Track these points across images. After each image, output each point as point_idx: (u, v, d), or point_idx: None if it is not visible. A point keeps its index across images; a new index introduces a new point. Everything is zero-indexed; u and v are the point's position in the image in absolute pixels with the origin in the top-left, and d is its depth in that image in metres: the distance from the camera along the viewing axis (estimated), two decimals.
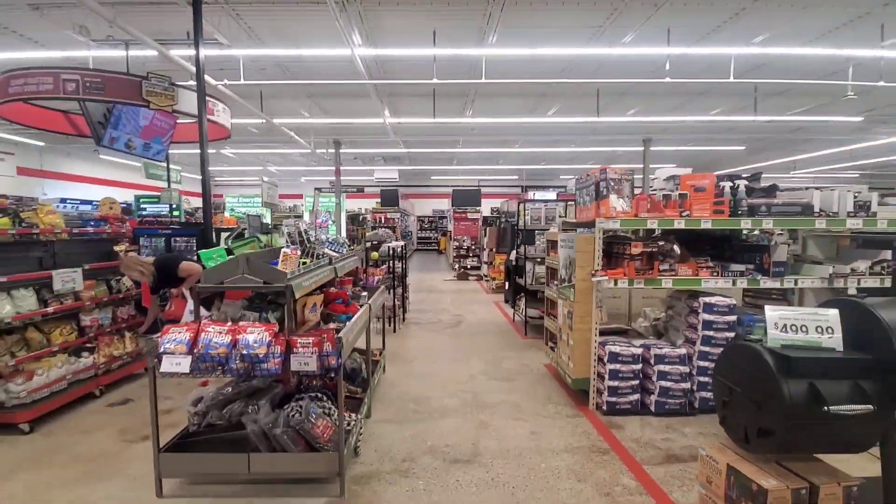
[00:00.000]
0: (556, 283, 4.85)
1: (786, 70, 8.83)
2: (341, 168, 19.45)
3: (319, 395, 3.23)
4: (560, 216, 7.07)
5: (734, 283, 4.03)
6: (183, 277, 3.58)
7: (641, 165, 15.46)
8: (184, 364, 2.51)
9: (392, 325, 7.06)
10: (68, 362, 4.10)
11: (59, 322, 4.17)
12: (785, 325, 2.25)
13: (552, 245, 5.18)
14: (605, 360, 3.96)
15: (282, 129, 12.25)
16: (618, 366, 3.93)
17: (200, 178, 5.80)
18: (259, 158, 20.10)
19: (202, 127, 6.64)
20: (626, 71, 8.87)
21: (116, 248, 4.98)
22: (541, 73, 8.86)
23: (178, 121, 8.60)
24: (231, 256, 2.70)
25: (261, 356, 2.54)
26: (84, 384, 4.22)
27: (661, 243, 4.10)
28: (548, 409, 4.11)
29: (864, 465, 2.64)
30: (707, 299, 3.98)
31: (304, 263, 3.16)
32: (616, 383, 3.93)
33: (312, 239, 3.61)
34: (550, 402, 4.29)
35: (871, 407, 2.04)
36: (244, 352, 2.54)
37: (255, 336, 2.60)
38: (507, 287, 9.58)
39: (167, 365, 2.51)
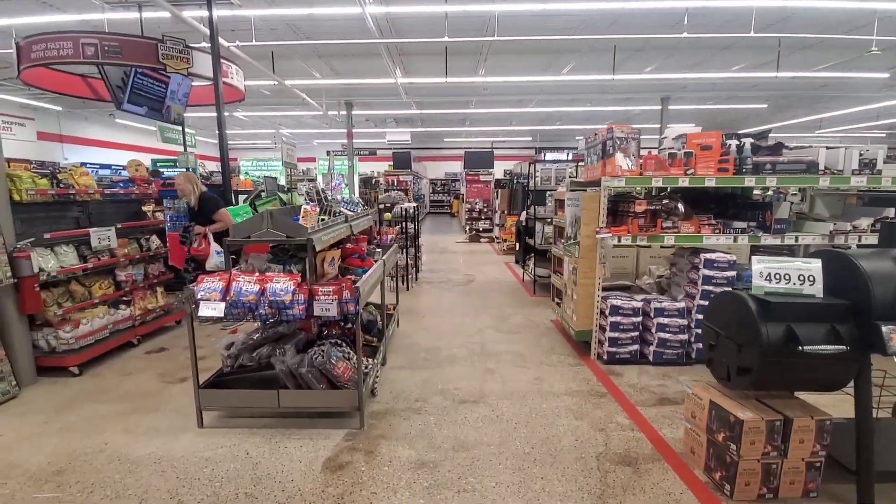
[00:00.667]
0: (562, 241, 5.02)
1: (809, 24, 8.51)
2: (353, 130, 19.44)
3: (339, 341, 3.52)
4: (570, 176, 7.14)
5: (735, 239, 4.15)
6: (214, 221, 3.88)
7: (659, 125, 15.16)
8: (219, 309, 2.79)
9: (405, 283, 7.34)
10: (108, 313, 4.46)
11: (97, 277, 4.50)
12: (770, 275, 2.41)
13: (560, 204, 5.31)
14: (607, 312, 4.17)
15: (293, 91, 12.26)
16: (618, 318, 4.14)
17: (218, 141, 5.99)
18: (271, 121, 20.13)
19: (218, 89, 6.78)
20: (643, 25, 8.64)
21: (145, 209, 5.25)
22: (555, 29, 8.68)
23: (193, 83, 8.73)
24: (256, 213, 2.91)
25: (287, 303, 2.80)
26: (123, 334, 4.60)
27: (665, 201, 4.21)
28: (551, 359, 4.37)
29: (848, 410, 2.84)
30: (708, 255, 4.12)
31: (323, 220, 3.37)
32: (616, 334, 4.16)
33: (329, 198, 3.80)
34: (554, 352, 4.55)
35: (844, 348, 2.22)
36: (272, 298, 2.80)
37: (281, 285, 2.85)
38: (517, 248, 9.76)
39: (204, 310, 2.79)
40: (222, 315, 2.78)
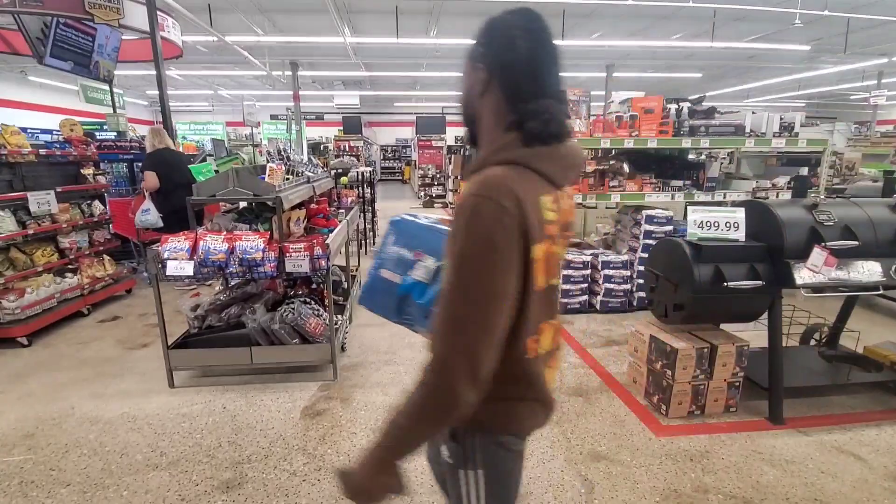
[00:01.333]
0: None
1: None
2: (300, 93, 18.63)
3: (307, 300, 3.60)
4: None
5: (673, 196, 4.55)
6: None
7: (604, 92, 15.65)
8: (188, 268, 2.79)
9: (363, 247, 7.39)
10: (55, 282, 4.26)
11: (39, 244, 4.26)
12: (702, 223, 2.74)
13: None
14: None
15: (234, 49, 11.55)
16: (570, 272, 4.47)
17: (159, 103, 5.68)
18: (209, 82, 18.85)
19: (156, 43, 6.35)
20: None
21: (84, 172, 4.95)
22: None
23: (123, 37, 8.07)
24: (221, 171, 2.88)
25: (257, 260, 2.85)
26: (72, 302, 4.42)
27: (612, 162, 4.52)
28: None
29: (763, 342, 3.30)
30: (648, 212, 4.51)
31: (287, 180, 3.38)
32: (568, 286, 4.50)
33: (292, 158, 3.79)
34: None
35: (761, 282, 2.60)
36: (242, 256, 2.84)
37: (251, 243, 2.89)
38: None
39: (172, 268, 2.79)
40: (191, 273, 2.79)
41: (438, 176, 16.51)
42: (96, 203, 5.00)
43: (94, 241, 4.87)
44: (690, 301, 2.64)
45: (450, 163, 13.84)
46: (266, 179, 3.04)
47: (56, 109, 18.06)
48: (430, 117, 17.51)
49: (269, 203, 3.01)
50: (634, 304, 4.67)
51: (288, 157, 3.64)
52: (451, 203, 12.87)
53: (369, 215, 8.08)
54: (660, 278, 2.92)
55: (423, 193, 15.97)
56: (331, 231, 3.65)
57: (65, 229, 4.47)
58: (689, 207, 2.80)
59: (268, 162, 3.46)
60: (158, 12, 6.30)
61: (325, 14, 9.59)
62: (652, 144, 4.40)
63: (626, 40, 12.17)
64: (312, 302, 3.59)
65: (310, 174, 4.17)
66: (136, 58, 8.98)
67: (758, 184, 4.59)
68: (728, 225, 2.74)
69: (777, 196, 4.67)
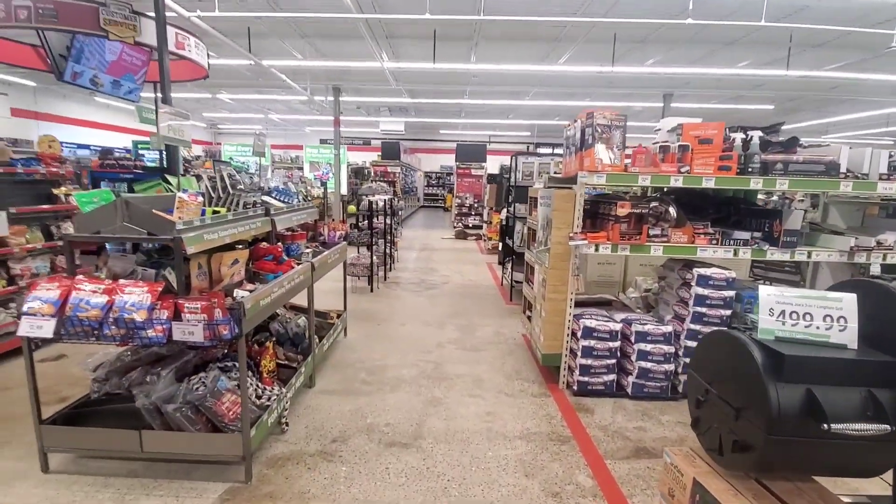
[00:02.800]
0: (534, 245, 4.33)
1: (824, 17, 7.79)
2: (344, 118, 18.68)
3: (236, 364, 2.84)
4: (556, 172, 6.44)
5: (736, 252, 3.46)
6: None
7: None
8: (46, 328, 2.10)
9: (370, 284, 6.66)
10: None
11: None
12: (784, 312, 1.72)
13: (535, 203, 4.62)
14: (579, 335, 3.49)
15: (275, 73, 11.51)
16: (592, 342, 3.46)
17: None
18: (259, 105, 19.36)
19: (163, 60, 6.04)
20: (645, 12, 7.92)
21: (58, 191, 4.55)
22: (549, 13, 7.95)
23: (152, 57, 7.95)
24: (111, 201, 2.23)
25: (138, 322, 2.11)
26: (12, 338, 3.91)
27: (654, 204, 3.52)
28: (512, 386, 3.69)
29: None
30: (702, 271, 3.44)
31: (217, 212, 2.68)
32: (589, 361, 3.48)
33: (243, 185, 3.11)
34: (518, 377, 3.88)
35: (888, 428, 1.54)
36: (119, 315, 2.11)
37: (136, 297, 2.16)
38: (500, 248, 9.08)
39: (26, 327, 2.10)
40: (50, 335, 2.10)
41: (476, 206, 15.75)
42: (68, 224, 4.57)
43: (55, 267, 4.41)
44: (763, 443, 1.61)
45: (486, 192, 13.04)
46: (174, 213, 2.34)
47: (117, 128, 19.06)
48: (471, 145, 16.93)
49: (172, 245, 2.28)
50: (679, 389, 3.56)
51: (228, 185, 2.96)
52: (484, 235, 11.99)
53: (382, 247, 7.36)
54: (710, 392, 1.90)
55: (456, 223, 15.22)
56: (276, 277, 2.89)
57: (17, 254, 4.02)
58: (762, 287, 1.79)
59: (202, 190, 2.78)
60: (179, 31, 6.04)
61: (363, 40, 9.27)
62: (708, 184, 3.37)
63: (685, 67, 11.04)
64: (248, 369, 2.81)
65: (277, 203, 3.49)
66: (173, 77, 8.95)
67: (857, 240, 3.42)
68: (828, 319, 1.71)
69: (884, 259, 3.47)
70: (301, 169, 19.25)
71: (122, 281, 2.25)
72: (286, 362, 3.35)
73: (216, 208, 2.76)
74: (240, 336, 2.24)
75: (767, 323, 1.73)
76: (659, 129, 4.11)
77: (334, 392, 3.49)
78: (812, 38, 8.69)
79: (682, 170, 3.37)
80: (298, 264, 3.25)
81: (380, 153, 18.78)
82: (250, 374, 2.80)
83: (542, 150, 9.92)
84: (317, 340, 3.73)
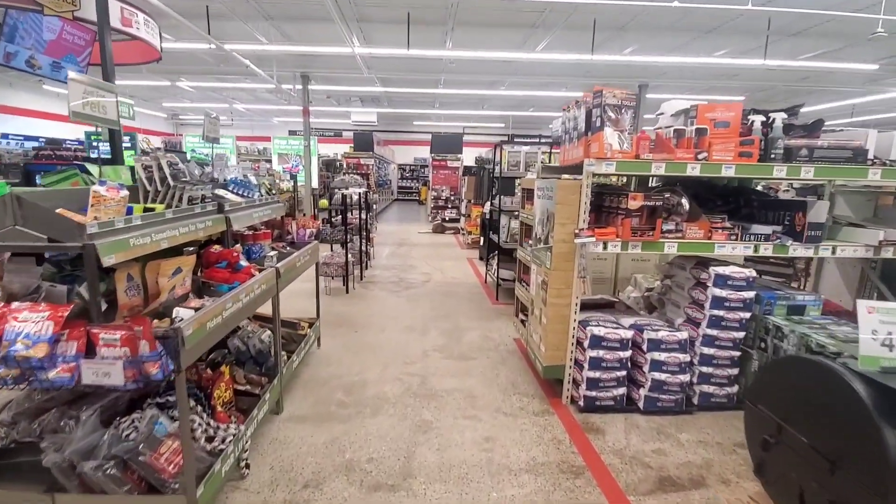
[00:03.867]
0: (530, 242, 3.90)
1: (808, 2, 7.64)
2: (315, 109, 17.85)
3: (168, 403, 2.31)
4: (543, 162, 6.04)
5: (756, 249, 3.12)
6: None
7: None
8: None
9: (346, 284, 6.12)
10: None
11: None
12: (892, 337, 1.33)
13: (528, 195, 4.20)
14: (586, 344, 3.09)
15: (238, 58, 10.69)
16: (601, 352, 3.07)
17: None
18: (223, 94, 18.28)
19: (103, 38, 5.32)
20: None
21: None
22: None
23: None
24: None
25: (35, 361, 1.57)
26: None
27: (666, 195, 3.14)
28: (510, 403, 3.27)
29: None
30: (720, 270, 3.09)
31: (150, 210, 2.13)
32: (597, 374, 3.09)
33: (188, 175, 2.55)
34: (515, 391, 3.46)
35: None
36: (8, 353, 1.56)
37: (32, 326, 1.62)
38: (482, 243, 8.67)
39: None
40: None
41: (453, 198, 15.30)
42: None
43: None
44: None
45: (464, 185, 12.59)
46: (88, 212, 1.79)
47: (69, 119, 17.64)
48: (447, 136, 16.42)
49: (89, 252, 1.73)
50: (695, 401, 3.22)
51: (167, 176, 2.40)
52: (463, 229, 11.55)
53: (358, 244, 6.83)
54: (784, 432, 1.51)
55: (434, 216, 14.74)
56: (231, 288, 2.36)
57: None
58: (861, 303, 1.41)
59: (140, 182, 2.22)
60: (125, 6, 5.31)
61: (332, 23, 8.61)
62: (727, 172, 3.01)
63: (663, 56, 10.82)
64: (193, 401, 2.29)
65: (233, 197, 2.94)
66: (124, 60, 8.10)
67: (886, 234, 3.13)
68: None
69: None
70: (269, 161, 18.35)
71: (15, 304, 1.69)
72: (247, 388, 2.82)
73: (151, 205, 2.21)
74: (177, 372, 1.72)
75: (870, 349, 1.35)
76: (661, 114, 3.73)
77: (306, 419, 2.99)
78: (791, 26, 8.58)
79: (700, 156, 3.00)
80: (260, 270, 2.73)
81: (352, 145, 18.05)
82: (200, 408, 2.27)
83: (517, 142, 9.53)
84: (284, 357, 3.21)
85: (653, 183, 4.41)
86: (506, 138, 20.85)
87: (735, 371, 3.21)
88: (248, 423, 2.47)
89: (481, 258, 8.79)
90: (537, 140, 6.22)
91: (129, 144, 9.47)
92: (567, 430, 2.93)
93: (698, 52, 10.64)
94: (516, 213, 6.07)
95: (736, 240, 3.10)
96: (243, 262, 2.60)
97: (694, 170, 2.98)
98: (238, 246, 2.97)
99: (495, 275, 6.12)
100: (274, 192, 3.84)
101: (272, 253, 2.85)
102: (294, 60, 12.94)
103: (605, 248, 3.01)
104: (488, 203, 7.04)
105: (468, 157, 18.50)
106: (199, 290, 2.48)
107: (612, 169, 2.93)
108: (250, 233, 3.41)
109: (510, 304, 5.73)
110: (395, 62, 12.41)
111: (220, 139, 5.31)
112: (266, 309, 3.11)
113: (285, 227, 3.93)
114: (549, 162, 6.07)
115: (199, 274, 2.52)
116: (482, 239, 8.66)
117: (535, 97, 16.48)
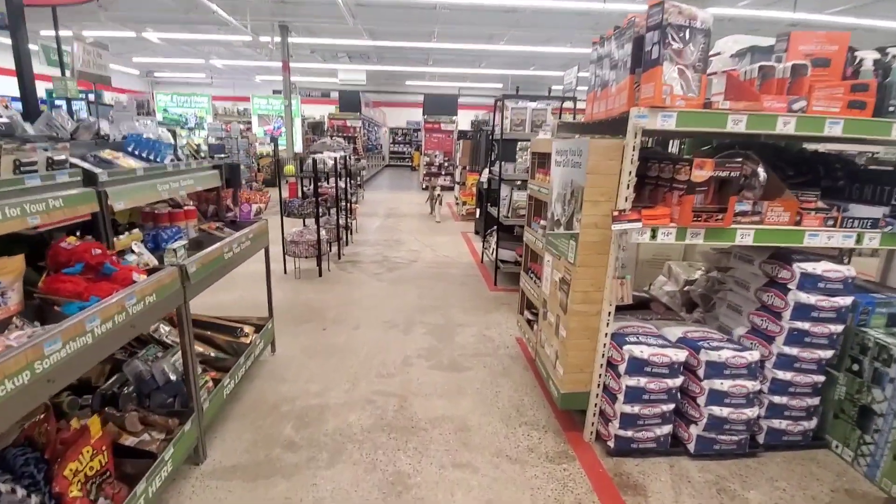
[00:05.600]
0: (542, 223, 3.01)
1: None
2: (299, 66, 16.47)
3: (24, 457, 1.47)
4: (558, 119, 5.06)
5: (859, 239, 2.25)
6: None
7: None
8: None
9: (319, 265, 5.25)
10: None
11: None
12: None
13: (540, 162, 3.27)
14: (622, 369, 2.26)
15: (206, 4, 9.41)
16: (643, 380, 2.24)
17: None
18: (197, 49, 16.77)
19: None
20: None
21: None
22: None
23: None
24: None
25: None
26: None
27: (739, 161, 2.23)
28: (516, 440, 2.47)
29: None
30: (808, 267, 2.24)
31: None
32: (636, 409, 2.27)
33: (22, 129, 1.62)
34: (521, 419, 2.66)
35: None
36: None
37: None
38: (478, 215, 7.76)
39: None
40: None
41: (447, 164, 14.24)
42: None
43: None
44: None
45: (459, 150, 11.54)
46: None
47: (37, 76, 16.13)
48: (441, 96, 15.19)
49: None
50: (760, 439, 2.44)
51: None
52: (456, 200, 10.60)
53: (334, 217, 5.91)
54: None
55: (425, 185, 13.71)
56: (84, 307, 1.48)
57: None
58: None
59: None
60: None
61: None
62: (833, 130, 2.10)
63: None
64: (30, 463, 1.45)
65: (129, 165, 2.02)
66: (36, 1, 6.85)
67: None
68: None
69: None
70: (249, 124, 17.06)
71: None
72: (145, 437, 1.98)
73: None
74: None
75: None
76: (718, 54, 2.76)
77: (236, 471, 2.17)
78: None
79: (796, 107, 2.08)
80: (150, 272, 1.83)
81: (338, 105, 16.77)
82: (42, 473, 1.43)
83: (522, 97, 8.47)
84: (208, 388, 2.36)
85: (703, 147, 3.50)
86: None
87: (815, 401, 2.42)
88: (147, 482, 1.64)
89: (477, 232, 7.90)
90: (547, 95, 5.20)
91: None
92: (595, 489, 2.13)
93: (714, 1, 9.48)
94: (519, 182, 5.15)
95: (834, 226, 2.23)
96: (111, 267, 1.69)
97: (787, 126, 2.07)
98: (130, 234, 2.06)
99: (494, 255, 5.26)
100: (204, 154, 2.90)
101: (177, 244, 1.96)
102: (270, 8, 11.60)
103: (653, 236, 2.14)
104: (486, 170, 6.09)
105: (463, 120, 17.32)
106: (40, 311, 1.59)
107: (670, 123, 2.01)
108: (165, 211, 2.50)
109: (511, 291, 4.89)
110: (383, 11, 11.12)
111: (109, 79, 4.22)
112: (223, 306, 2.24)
113: (222, 203, 3.01)
114: (566, 119, 5.09)
115: (39, 283, 1.62)
116: (478, 211, 7.74)
117: (537, 53, 15.14)
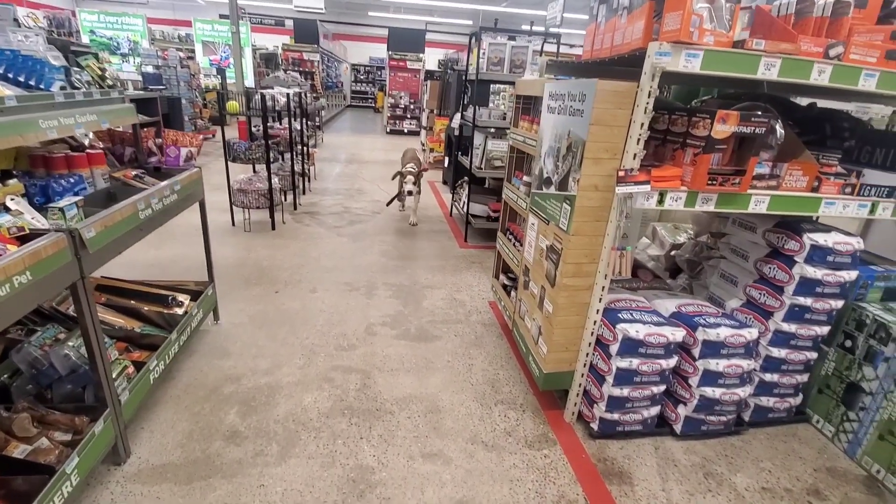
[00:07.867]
0: (526, 180, 2.66)
1: None
2: None
3: None
4: (548, 57, 4.57)
5: (873, 208, 2.04)
6: None
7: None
8: None
9: (272, 217, 4.74)
10: None
11: None
12: None
13: (525, 107, 2.86)
14: (613, 350, 2.03)
15: None
16: (635, 361, 2.02)
17: None
18: None
19: None
20: None
21: None
22: None
23: None
24: None
25: None
26: None
27: (758, 115, 1.92)
28: (492, 422, 2.25)
29: None
30: (819, 238, 2.02)
31: None
32: (626, 391, 2.07)
33: None
34: (497, 397, 2.43)
35: None
36: None
37: None
38: (446, 164, 7.31)
39: None
40: None
41: (413, 107, 13.43)
42: None
43: None
44: None
45: (426, 91, 10.78)
46: None
47: None
48: (407, 31, 14.04)
49: None
50: (746, 416, 2.32)
51: None
52: (424, 146, 10.01)
53: (289, 163, 5.32)
54: None
55: (390, 129, 12.96)
56: None
57: None
58: None
59: None
60: None
61: None
62: (867, 84, 1.82)
63: None
64: None
65: (8, 90, 1.48)
66: None
67: None
68: None
69: None
70: (192, 52, 15.30)
71: None
72: (33, 449, 1.58)
73: None
74: None
75: None
76: None
77: (166, 471, 1.84)
78: None
79: (832, 53, 1.77)
80: (27, 238, 1.37)
81: (293, 36, 15.29)
82: None
83: (501, 31, 7.78)
84: (128, 374, 1.96)
85: (698, 101, 3.18)
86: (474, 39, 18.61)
87: (805, 378, 2.30)
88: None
89: (445, 182, 7.48)
90: (529, 31, 4.67)
91: None
92: (578, 479, 1.95)
93: None
94: (494, 130, 4.72)
95: (851, 193, 2.00)
96: None
97: (822, 75, 1.77)
98: (15, 187, 1.56)
99: (465, 209, 4.90)
100: (114, 83, 2.31)
101: (65, 201, 1.48)
102: None
103: (660, 201, 1.84)
104: (457, 115, 5.59)
105: (431, 59, 16.27)
106: None
107: (694, 65, 1.66)
108: (60, 155, 1.96)
109: (483, 248, 4.60)
110: None
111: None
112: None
113: (144, 145, 2.46)
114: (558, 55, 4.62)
115: None
116: (446, 159, 7.28)
117: None
